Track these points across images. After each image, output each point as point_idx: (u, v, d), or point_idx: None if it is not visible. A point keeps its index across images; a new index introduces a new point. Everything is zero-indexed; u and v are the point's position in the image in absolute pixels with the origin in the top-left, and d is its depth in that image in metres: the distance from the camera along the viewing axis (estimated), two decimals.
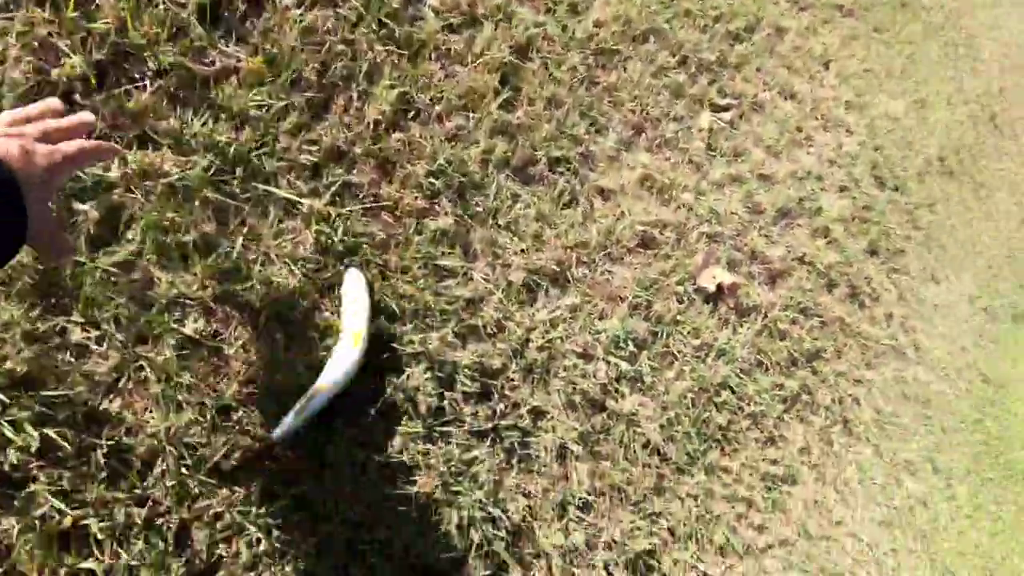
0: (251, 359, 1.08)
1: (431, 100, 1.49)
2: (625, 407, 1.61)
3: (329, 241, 1.22)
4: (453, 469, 1.26)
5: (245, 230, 1.14)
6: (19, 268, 0.88)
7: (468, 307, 1.42)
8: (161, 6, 1.10)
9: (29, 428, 0.83)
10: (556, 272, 1.62)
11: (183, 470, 0.96)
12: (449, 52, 1.56)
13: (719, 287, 1.94)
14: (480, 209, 1.51)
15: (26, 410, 0.84)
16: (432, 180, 1.41)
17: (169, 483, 0.93)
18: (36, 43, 0.96)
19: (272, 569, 0.99)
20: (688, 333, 1.82)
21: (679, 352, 1.79)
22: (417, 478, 1.22)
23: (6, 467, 0.81)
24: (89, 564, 0.85)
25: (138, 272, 1.00)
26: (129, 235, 1.00)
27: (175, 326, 1.01)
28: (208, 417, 1.01)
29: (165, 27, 1.09)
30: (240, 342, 1.08)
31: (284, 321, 1.14)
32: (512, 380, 1.43)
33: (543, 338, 1.51)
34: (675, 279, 1.84)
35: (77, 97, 0.99)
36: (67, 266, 0.91)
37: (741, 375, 1.89)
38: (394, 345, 1.24)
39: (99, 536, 0.86)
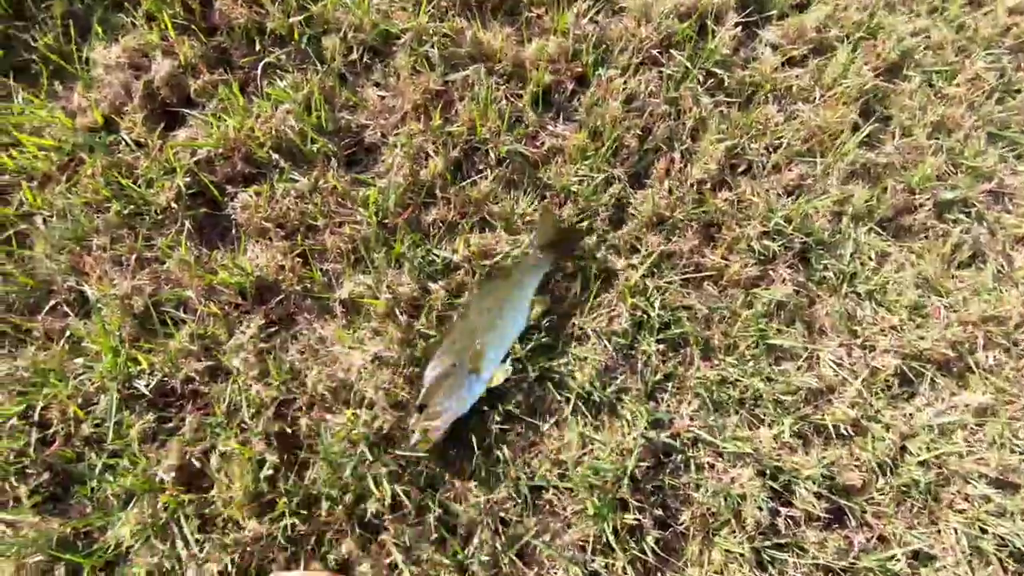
0: (563, 442, 1.05)
1: (766, 149, 1.28)
2: None
3: (645, 316, 1.13)
4: None
5: (563, 303, 1.14)
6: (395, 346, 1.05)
7: (813, 399, 1.13)
8: (503, 101, 1.21)
9: (385, 483, 0.96)
10: (950, 358, 1.18)
11: (497, 546, 0.98)
12: (790, 90, 1.33)
13: None
14: (830, 274, 1.21)
15: (385, 467, 0.97)
16: (766, 243, 1.19)
17: (483, 557, 0.95)
18: (412, 151, 1.16)
19: None
20: None
21: None
22: None
23: (368, 515, 0.96)
24: None
25: None
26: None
27: (497, 405, 1.05)
28: (521, 495, 1.01)
29: (504, 119, 1.19)
30: (553, 420, 1.07)
31: (593, 404, 1.08)
32: (877, 504, 1.07)
33: (927, 450, 1.10)
34: None
35: (437, 192, 1.16)
36: None
37: None
38: (714, 440, 1.06)
39: None
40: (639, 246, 1.18)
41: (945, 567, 1.04)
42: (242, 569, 0.92)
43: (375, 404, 1.01)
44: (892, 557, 1.03)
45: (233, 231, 1.12)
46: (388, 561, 0.95)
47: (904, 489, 1.08)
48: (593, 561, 0.99)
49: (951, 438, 1.12)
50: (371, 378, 1.02)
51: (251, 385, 1.01)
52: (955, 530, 1.06)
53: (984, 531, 1.06)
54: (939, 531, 1.07)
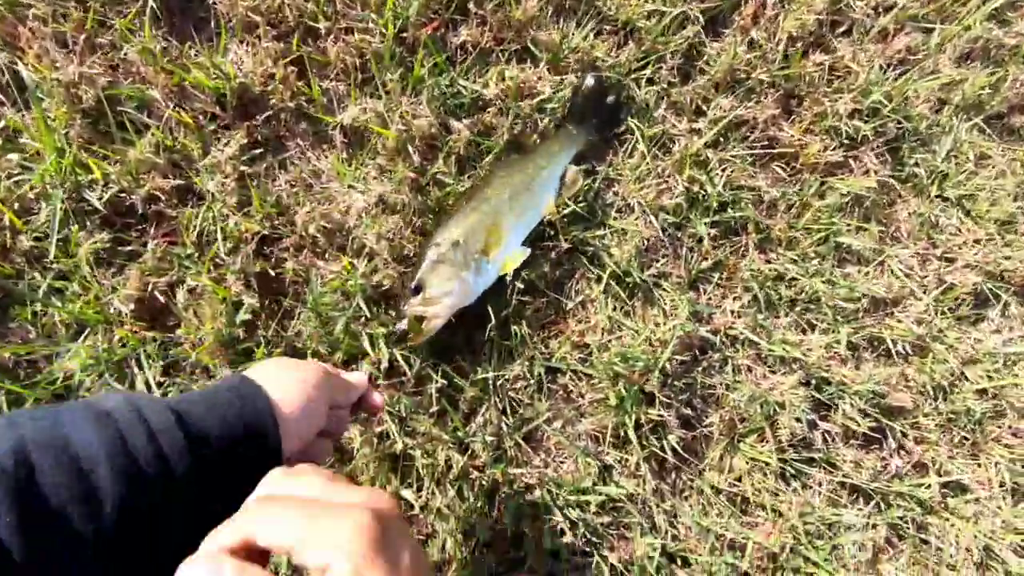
0: (589, 324, 0.92)
1: (875, 9, 1.04)
2: None
3: (702, 193, 0.95)
4: (807, 526, 0.91)
5: (604, 165, 0.96)
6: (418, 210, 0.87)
7: (874, 310, 0.99)
8: None
9: (383, 345, 0.83)
10: None
11: (503, 426, 0.87)
12: None
13: None
14: (920, 172, 1.03)
15: (383, 327, 0.83)
16: (856, 123, 0.99)
17: (487, 436, 0.84)
18: None
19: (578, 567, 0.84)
20: None
21: None
22: (757, 520, 0.92)
23: None
24: (408, 494, 0.83)
25: None
26: (485, 161, 0.92)
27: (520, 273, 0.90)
28: (535, 375, 0.89)
29: None
30: (580, 299, 0.93)
31: (627, 286, 0.93)
32: (921, 429, 0.97)
33: (987, 378, 0.99)
34: None
35: (471, 6, 0.92)
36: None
37: None
38: (759, 340, 0.93)
39: (420, 471, 0.83)
40: (706, 108, 0.98)
41: (978, 500, 0.97)
42: None
43: (376, 255, 0.85)
44: (923, 485, 0.95)
45: (212, 23, 0.89)
46: (379, 429, 0.83)
47: (953, 417, 0.97)
48: (607, 454, 0.89)
49: (1014, 369, 1.00)
50: (373, 224, 0.85)
51: (228, 215, 0.84)
52: (998, 466, 0.97)
53: None
54: (979, 464, 0.98)
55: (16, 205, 0.79)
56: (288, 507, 0.36)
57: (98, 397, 0.45)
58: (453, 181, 0.90)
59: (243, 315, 0.80)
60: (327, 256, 0.87)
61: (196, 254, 0.83)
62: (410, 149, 0.88)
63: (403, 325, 0.81)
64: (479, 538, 0.82)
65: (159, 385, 0.80)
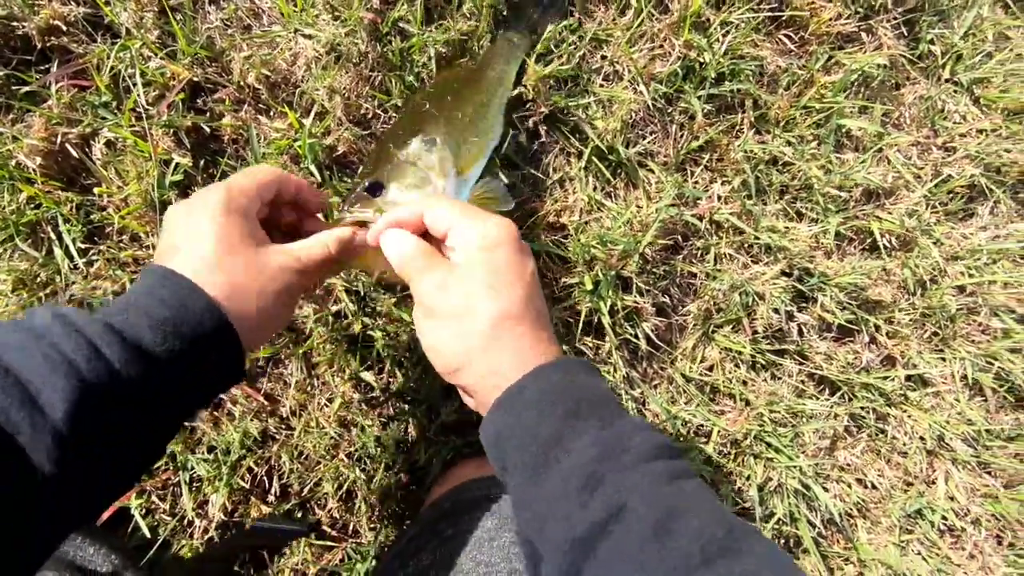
0: (567, 203, 0.84)
1: None
2: None
3: (699, 59, 0.85)
4: (774, 415, 0.91)
5: (591, 25, 0.84)
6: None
7: (864, 201, 0.94)
8: None
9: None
10: None
11: None
12: None
13: None
14: (935, 49, 0.94)
15: (337, 195, 0.74)
16: None
17: None
18: None
19: None
20: None
21: None
22: (724, 408, 0.91)
23: None
24: (368, 376, 0.79)
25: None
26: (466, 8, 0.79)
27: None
28: None
29: None
30: (558, 177, 0.84)
31: (610, 164, 0.85)
32: (895, 324, 0.96)
33: (968, 275, 0.97)
34: None
35: None
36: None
37: None
38: (745, 228, 0.88)
39: (382, 353, 0.78)
40: None
41: (937, 393, 0.98)
42: None
43: (327, 113, 0.74)
44: (889, 378, 0.95)
45: None
46: (336, 308, 0.77)
47: (928, 312, 0.96)
48: (578, 340, 0.86)
49: (996, 266, 0.98)
50: (324, 76, 0.74)
51: (150, 57, 0.71)
52: (963, 361, 0.97)
53: (990, 364, 0.98)
54: (944, 359, 0.98)
55: None
56: (448, 204, 0.50)
57: (20, 316, 0.42)
58: (419, 31, 0.77)
59: (173, 175, 0.70)
60: (272, 113, 0.75)
61: (113, 102, 0.70)
62: None
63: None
64: (443, 420, 0.79)
65: (82, 252, 0.71)
